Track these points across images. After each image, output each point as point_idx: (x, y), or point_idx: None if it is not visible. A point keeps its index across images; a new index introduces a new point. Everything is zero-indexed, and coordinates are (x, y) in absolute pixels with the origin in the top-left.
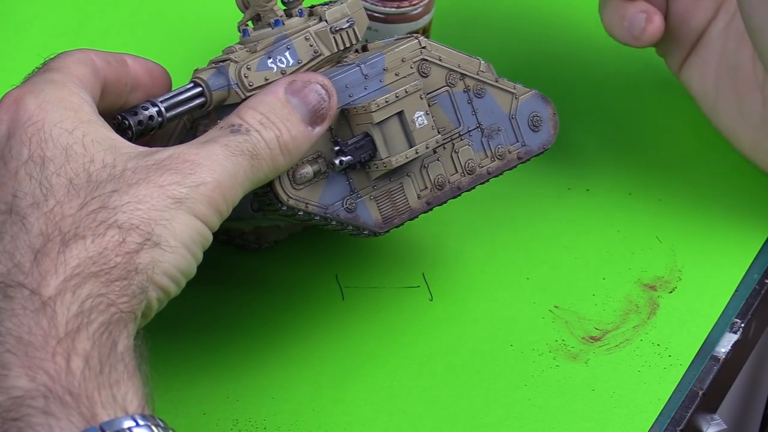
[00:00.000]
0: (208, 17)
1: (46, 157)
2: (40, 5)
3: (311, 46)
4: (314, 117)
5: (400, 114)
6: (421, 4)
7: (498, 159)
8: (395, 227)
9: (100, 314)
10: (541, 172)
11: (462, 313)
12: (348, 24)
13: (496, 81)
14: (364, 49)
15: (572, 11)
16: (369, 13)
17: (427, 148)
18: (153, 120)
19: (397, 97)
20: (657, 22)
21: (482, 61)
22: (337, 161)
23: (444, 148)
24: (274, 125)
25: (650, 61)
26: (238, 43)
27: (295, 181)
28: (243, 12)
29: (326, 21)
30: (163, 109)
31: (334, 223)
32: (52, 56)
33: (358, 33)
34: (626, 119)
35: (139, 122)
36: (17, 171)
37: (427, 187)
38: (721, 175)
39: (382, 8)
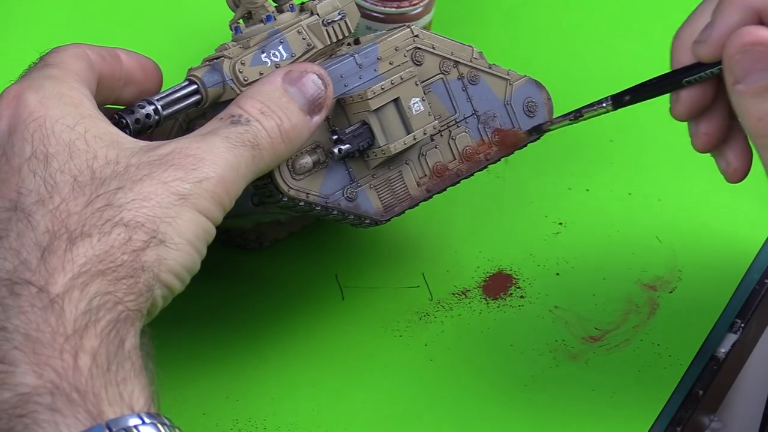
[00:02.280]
0: (202, 18)
1: (49, 154)
2: (40, 5)
3: (304, 39)
4: (312, 106)
5: (396, 101)
6: (421, 4)
7: (495, 146)
8: (396, 215)
9: (108, 312)
10: (541, 172)
11: (462, 313)
12: (340, 16)
13: (490, 68)
14: (357, 42)
15: (572, 12)
16: (369, 12)
17: (424, 134)
18: (150, 118)
19: (392, 84)
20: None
21: (475, 49)
22: (335, 150)
23: (441, 135)
24: (275, 114)
25: (652, 61)
26: (231, 41)
27: (294, 171)
28: (234, 11)
29: (318, 14)
30: (159, 107)
31: (335, 212)
32: (46, 51)
33: (350, 25)
34: (627, 118)
35: (136, 120)
36: (21, 167)
37: (426, 175)
38: (721, 175)
39: (382, 8)
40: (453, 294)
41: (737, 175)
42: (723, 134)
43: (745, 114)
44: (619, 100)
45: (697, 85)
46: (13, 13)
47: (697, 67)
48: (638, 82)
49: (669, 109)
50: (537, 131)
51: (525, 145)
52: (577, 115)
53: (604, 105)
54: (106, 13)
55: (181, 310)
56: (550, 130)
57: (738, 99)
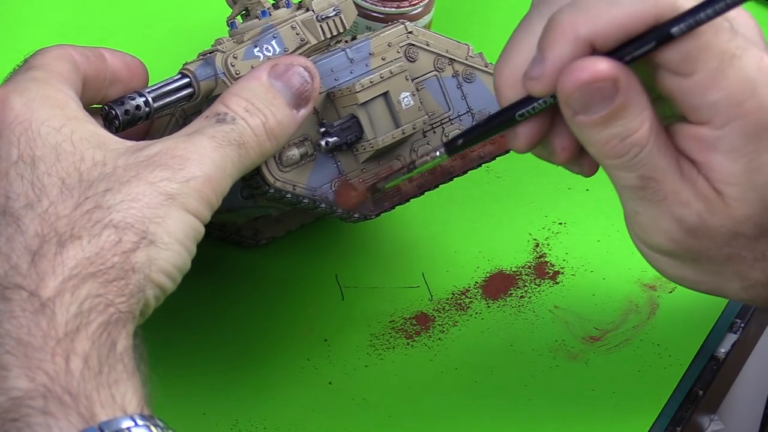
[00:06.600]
0: (202, 16)
1: (36, 157)
2: (40, 5)
3: (297, 34)
4: (298, 100)
5: (385, 95)
6: (421, 4)
7: (489, 144)
8: (386, 211)
9: (99, 314)
10: (541, 172)
11: (462, 314)
12: (334, 12)
13: (486, 66)
14: (353, 40)
15: None
16: (368, 12)
17: (414, 129)
18: (140, 110)
19: (381, 77)
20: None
21: (471, 47)
22: (323, 142)
23: (434, 132)
24: (260, 111)
25: None
26: (227, 36)
27: (281, 163)
28: (231, 7)
29: (313, 10)
30: (150, 99)
31: (323, 205)
32: (30, 54)
33: (345, 22)
34: None
35: (126, 112)
36: (8, 172)
37: None
38: None
39: (382, 8)
40: (453, 294)
41: (593, 171)
42: (578, 144)
43: (589, 141)
44: (453, 146)
45: (532, 117)
46: (13, 13)
47: (529, 100)
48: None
49: (507, 143)
50: (374, 190)
51: (365, 210)
52: (411, 168)
53: (438, 153)
54: (107, 13)
55: (181, 310)
56: (386, 187)
57: (580, 129)
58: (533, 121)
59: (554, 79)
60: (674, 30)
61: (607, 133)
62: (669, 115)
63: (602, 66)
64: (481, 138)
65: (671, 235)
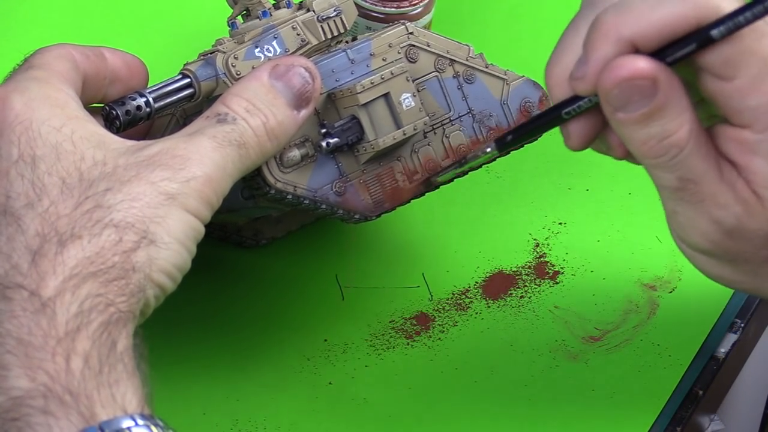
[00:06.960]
0: (203, 17)
1: (36, 156)
2: (40, 5)
3: (298, 35)
4: (299, 100)
5: (386, 96)
6: (421, 4)
7: None
8: (386, 212)
9: (100, 314)
10: (541, 172)
11: (462, 314)
12: (335, 13)
13: (487, 67)
14: (354, 41)
15: (573, 12)
16: (368, 12)
17: (414, 129)
18: (141, 110)
19: (382, 78)
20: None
21: (472, 48)
22: (323, 143)
23: (435, 133)
24: (261, 112)
25: None
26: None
27: (282, 164)
28: (232, 7)
29: (313, 11)
30: (151, 99)
31: (323, 207)
32: (31, 53)
33: (345, 22)
34: None
35: (127, 112)
36: (8, 171)
37: (418, 172)
38: None
39: (382, 8)
40: (453, 294)
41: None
42: None
43: (628, 139)
44: (503, 143)
45: (582, 115)
46: (13, 13)
47: (576, 98)
48: None
49: (564, 141)
50: (426, 184)
51: (420, 195)
52: (462, 163)
53: (488, 150)
54: (107, 13)
55: (181, 310)
56: (438, 181)
57: (619, 126)
58: (584, 119)
59: (597, 79)
60: (714, 32)
61: (646, 132)
62: (712, 115)
63: (641, 64)
64: (530, 135)
65: (709, 236)
